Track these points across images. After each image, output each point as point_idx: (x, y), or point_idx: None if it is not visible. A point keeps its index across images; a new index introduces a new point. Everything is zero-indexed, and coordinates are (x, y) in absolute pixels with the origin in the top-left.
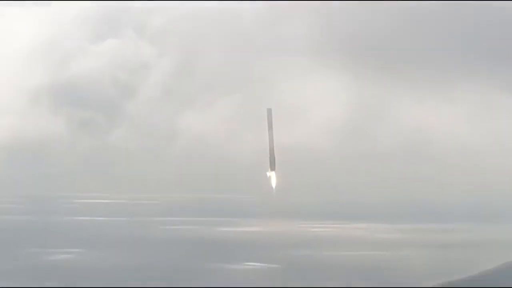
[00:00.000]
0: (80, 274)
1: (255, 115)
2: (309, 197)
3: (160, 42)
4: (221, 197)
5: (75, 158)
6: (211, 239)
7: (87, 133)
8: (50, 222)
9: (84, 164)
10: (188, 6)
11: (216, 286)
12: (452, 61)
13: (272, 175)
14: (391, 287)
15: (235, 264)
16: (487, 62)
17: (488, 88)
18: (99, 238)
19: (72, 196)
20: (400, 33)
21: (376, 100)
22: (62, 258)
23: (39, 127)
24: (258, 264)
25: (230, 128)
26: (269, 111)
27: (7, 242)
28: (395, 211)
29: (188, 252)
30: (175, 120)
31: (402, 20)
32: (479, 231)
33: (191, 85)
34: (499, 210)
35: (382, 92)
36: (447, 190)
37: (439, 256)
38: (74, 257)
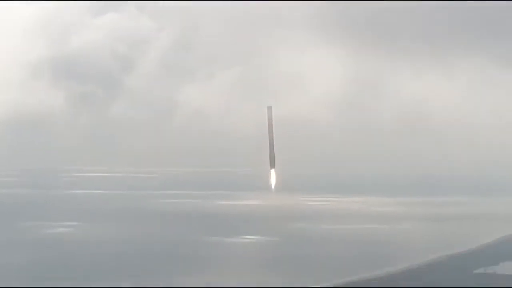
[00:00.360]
0: (79, 246)
1: (254, 88)
2: (307, 170)
3: (159, 17)
4: (220, 170)
5: (74, 131)
6: (209, 212)
7: (87, 106)
8: (49, 196)
9: (83, 137)
10: None
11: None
12: (451, 36)
13: (272, 174)
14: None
15: (234, 237)
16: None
17: (487, 62)
18: (98, 211)
19: (71, 170)
20: (399, 8)
21: (374, 74)
22: (61, 231)
23: (39, 100)
24: (257, 237)
25: (229, 101)
26: (270, 109)
27: (7, 215)
28: (393, 184)
29: (187, 225)
30: (174, 94)
31: None
32: (478, 204)
33: (191, 59)
34: (498, 183)
35: (381, 66)
36: (446, 164)
37: (437, 230)
38: (72, 230)
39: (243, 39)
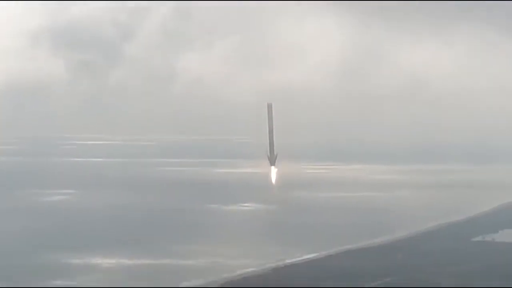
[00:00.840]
0: (76, 214)
1: (254, 57)
2: (306, 138)
3: None
4: (219, 138)
5: (74, 99)
6: (208, 180)
7: (87, 74)
8: (47, 163)
9: (82, 105)
10: None
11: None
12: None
13: (273, 170)
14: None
15: (232, 205)
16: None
17: (487, 30)
18: (96, 179)
19: (70, 137)
20: None
21: (373, 41)
22: (58, 199)
23: (38, 68)
24: (255, 205)
25: (228, 70)
26: (270, 106)
27: (5, 183)
28: (392, 152)
29: (186, 193)
30: (173, 62)
31: None
32: (477, 172)
33: (190, 27)
34: (497, 151)
35: (380, 34)
36: (445, 132)
37: (436, 197)
38: (70, 198)
39: (243, 8)
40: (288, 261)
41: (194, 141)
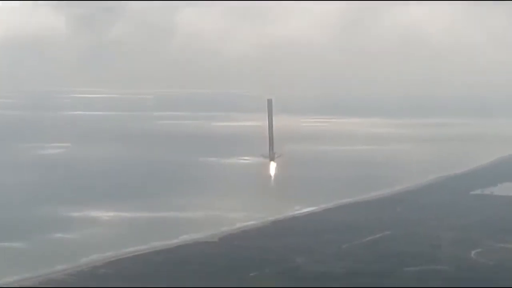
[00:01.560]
0: (74, 167)
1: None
2: (306, 92)
3: None
4: (217, 92)
5: (73, 54)
6: (206, 133)
7: (86, 29)
8: (46, 117)
9: (82, 59)
10: None
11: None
12: None
13: (272, 165)
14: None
15: (231, 158)
16: None
17: None
18: (95, 133)
19: (68, 91)
20: None
21: None
22: (57, 152)
23: (38, 23)
24: (253, 158)
25: (227, 23)
26: (270, 101)
27: (4, 136)
28: (392, 106)
29: (184, 146)
30: (173, 16)
31: None
32: (477, 126)
33: None
34: (496, 105)
35: None
36: (444, 85)
37: (435, 151)
38: (67, 151)
39: None
40: (287, 214)
41: (193, 95)
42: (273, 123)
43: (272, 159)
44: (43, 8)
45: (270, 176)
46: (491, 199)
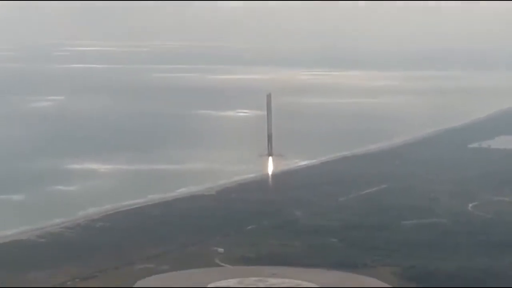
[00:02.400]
0: (72, 120)
1: None
2: (305, 44)
3: None
4: (214, 45)
5: (70, 6)
6: (204, 86)
7: None
8: (42, 70)
9: (79, 12)
10: None
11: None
12: None
13: (269, 161)
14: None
15: (228, 111)
16: None
17: None
18: (90, 86)
19: (65, 44)
20: None
21: None
22: (49, 104)
23: None
24: (251, 111)
25: None
26: (269, 96)
27: (0, 89)
28: (391, 59)
29: (181, 99)
30: None
31: None
32: (475, 78)
33: None
34: (496, 58)
35: None
36: (444, 37)
37: (434, 104)
38: (60, 104)
39: None
40: (286, 167)
41: (190, 47)
42: (273, 74)
43: (270, 154)
44: None
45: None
46: (489, 152)
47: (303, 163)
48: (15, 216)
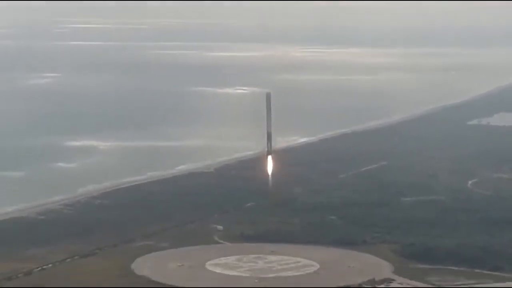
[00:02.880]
0: (70, 97)
1: None
2: (303, 21)
3: None
4: (212, 22)
5: None
6: (202, 63)
7: None
8: (39, 47)
9: None
10: None
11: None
12: None
13: (269, 161)
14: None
15: (227, 88)
16: None
17: None
18: (90, 63)
19: (63, 21)
20: None
21: None
22: (47, 81)
23: None
24: (249, 88)
25: None
26: (268, 95)
27: None
28: (390, 36)
29: (179, 76)
30: None
31: None
32: (474, 55)
33: None
34: (495, 35)
35: None
36: (443, 15)
37: (433, 81)
38: (58, 81)
39: None
40: (284, 144)
41: (188, 25)
42: (270, 51)
43: (269, 153)
44: None
45: (268, 173)
46: (488, 129)
47: (302, 140)
48: (14, 193)
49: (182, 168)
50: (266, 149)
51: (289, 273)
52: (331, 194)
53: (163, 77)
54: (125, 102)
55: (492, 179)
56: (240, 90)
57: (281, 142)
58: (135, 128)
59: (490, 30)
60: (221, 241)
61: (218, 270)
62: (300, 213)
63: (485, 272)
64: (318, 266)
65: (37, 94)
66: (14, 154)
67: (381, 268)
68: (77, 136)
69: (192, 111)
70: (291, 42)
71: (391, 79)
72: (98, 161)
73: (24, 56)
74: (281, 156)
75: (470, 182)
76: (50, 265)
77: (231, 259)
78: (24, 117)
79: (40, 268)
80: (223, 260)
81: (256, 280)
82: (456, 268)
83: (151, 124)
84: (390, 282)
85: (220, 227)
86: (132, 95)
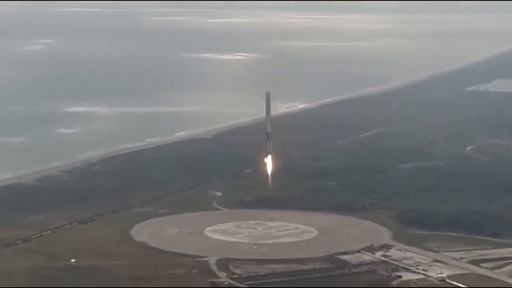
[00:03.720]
0: (63, 63)
1: None
2: None
3: None
4: None
5: None
6: (202, 30)
7: None
8: (31, 13)
9: None
10: None
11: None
12: None
13: (268, 160)
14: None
15: (226, 54)
16: None
17: None
18: (88, 29)
19: None
20: None
21: None
22: (41, 48)
23: None
24: (248, 54)
25: None
26: (268, 94)
27: None
28: (386, 2)
29: (177, 42)
30: None
31: None
32: (472, 21)
33: None
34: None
35: None
36: None
37: (431, 47)
38: (52, 47)
39: None
40: (283, 110)
41: None
42: (270, 19)
43: (269, 153)
44: None
45: (267, 174)
46: (486, 95)
47: (301, 106)
48: (13, 160)
49: (181, 134)
50: (266, 148)
51: (288, 239)
52: (330, 160)
53: (161, 43)
54: (123, 69)
55: (490, 145)
56: (240, 56)
57: (280, 108)
58: (134, 94)
59: None
60: (220, 207)
61: (216, 236)
62: (299, 179)
63: (483, 238)
64: (316, 232)
65: (32, 60)
66: (12, 120)
67: (380, 234)
68: (75, 102)
69: (191, 77)
70: (288, 9)
71: (389, 45)
72: (96, 128)
73: (14, 22)
74: (280, 122)
75: (468, 148)
76: (48, 231)
77: (229, 225)
78: (21, 83)
79: (38, 234)
80: (221, 226)
81: (255, 247)
82: (454, 234)
83: (150, 91)
84: (389, 248)
85: (219, 193)
86: (131, 61)
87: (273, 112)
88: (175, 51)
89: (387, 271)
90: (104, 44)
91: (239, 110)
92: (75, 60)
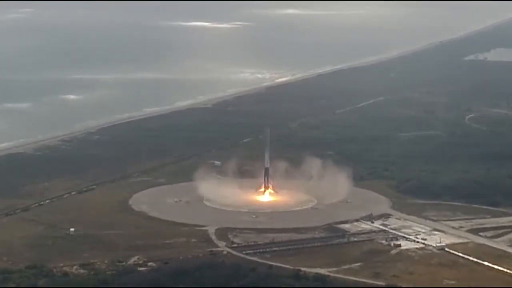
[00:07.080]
0: (57, 30)
1: None
2: None
3: None
4: None
5: None
6: None
7: None
8: None
9: None
10: None
11: None
12: None
13: (266, 194)
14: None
15: (223, 23)
16: None
17: None
18: None
19: None
20: None
21: None
22: (17, 16)
23: None
24: (243, 23)
25: None
26: (266, 130)
27: None
28: None
29: (172, 10)
30: None
31: None
32: None
33: None
34: None
35: None
36: None
37: (429, 15)
38: (29, 16)
39: None
40: (281, 80)
41: None
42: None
43: (267, 188)
44: None
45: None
46: (485, 64)
47: (299, 75)
48: (11, 129)
49: (179, 104)
50: (264, 184)
51: (287, 208)
52: (327, 130)
53: (157, 11)
54: (118, 37)
55: (489, 114)
56: (237, 25)
57: (277, 77)
58: (130, 63)
59: None
60: (219, 177)
61: (215, 205)
62: (298, 148)
63: (482, 207)
64: (316, 201)
65: (13, 29)
66: (8, 89)
67: (379, 203)
68: (71, 71)
69: (189, 46)
70: None
71: (387, 14)
72: (93, 97)
73: None
74: (278, 91)
75: (467, 117)
76: (47, 200)
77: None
78: (23, 52)
79: (37, 204)
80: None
81: (254, 216)
82: (453, 203)
83: (146, 59)
84: (388, 217)
85: (217, 163)
86: (125, 30)
87: (269, 82)
88: (171, 19)
89: (386, 240)
90: (97, 12)
91: (236, 80)
92: (69, 28)
